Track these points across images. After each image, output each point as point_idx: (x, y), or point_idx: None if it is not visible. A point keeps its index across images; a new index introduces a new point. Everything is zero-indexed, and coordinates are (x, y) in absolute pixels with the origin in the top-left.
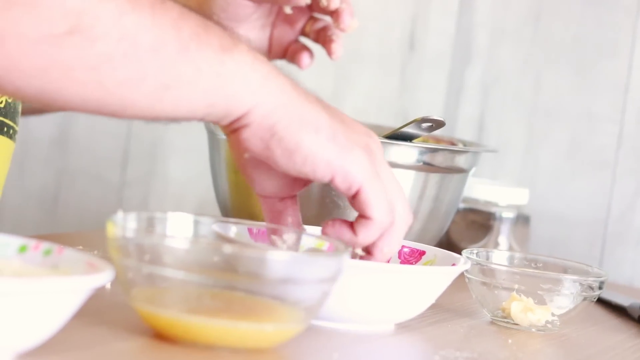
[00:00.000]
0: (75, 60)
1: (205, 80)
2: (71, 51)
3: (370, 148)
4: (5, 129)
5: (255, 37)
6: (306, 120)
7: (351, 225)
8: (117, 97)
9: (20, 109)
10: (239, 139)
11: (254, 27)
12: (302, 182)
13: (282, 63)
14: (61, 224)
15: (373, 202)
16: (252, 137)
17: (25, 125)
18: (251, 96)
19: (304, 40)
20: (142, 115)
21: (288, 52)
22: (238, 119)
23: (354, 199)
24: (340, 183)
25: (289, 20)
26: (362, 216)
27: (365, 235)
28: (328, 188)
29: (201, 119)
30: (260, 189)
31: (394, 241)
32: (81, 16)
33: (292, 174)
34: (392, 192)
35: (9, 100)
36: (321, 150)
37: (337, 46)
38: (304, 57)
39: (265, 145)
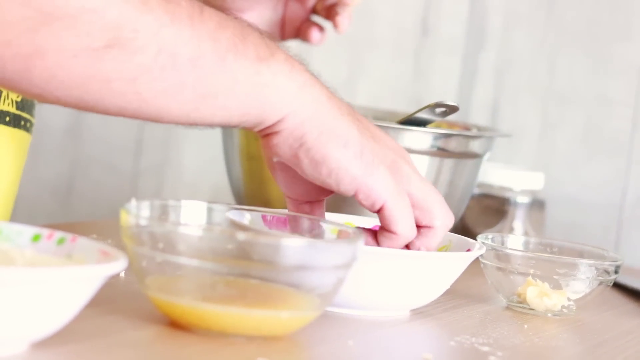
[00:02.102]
0: (114, 73)
1: (242, 90)
2: (110, 64)
3: (397, 165)
4: (23, 122)
5: (268, 18)
6: (336, 134)
7: (375, 234)
8: (154, 107)
9: (36, 102)
10: (270, 143)
11: (267, 8)
12: (329, 190)
13: (294, 44)
14: (75, 213)
15: (396, 219)
16: (282, 144)
17: (39, 115)
18: (285, 106)
19: (317, 19)
20: (178, 122)
21: (300, 31)
22: (270, 126)
23: (378, 213)
24: (364, 199)
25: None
26: (385, 229)
27: (388, 247)
28: None
29: (235, 126)
30: (288, 191)
31: (432, 243)
32: (120, 30)
33: (317, 184)
34: (428, 200)
35: None
36: (347, 165)
37: (341, 19)
38: (314, 32)
39: (294, 153)
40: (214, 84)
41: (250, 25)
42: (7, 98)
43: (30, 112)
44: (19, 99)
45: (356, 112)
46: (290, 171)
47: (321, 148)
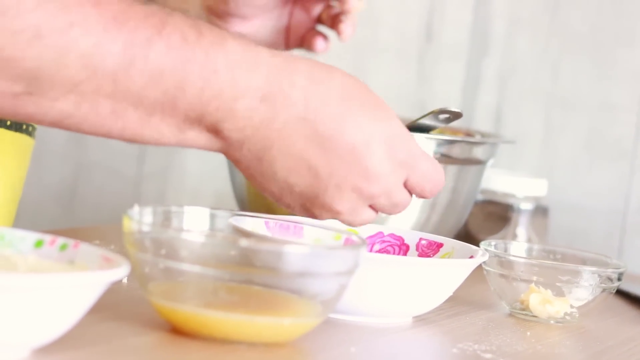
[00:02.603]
0: (39, 116)
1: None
2: (33, 108)
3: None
4: (25, 127)
5: (273, 26)
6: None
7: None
8: (95, 133)
9: None
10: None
11: (272, 16)
12: None
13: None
14: (78, 218)
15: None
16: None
17: None
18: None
19: (322, 28)
20: (134, 141)
21: (305, 40)
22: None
23: None
24: None
25: (305, 8)
26: None
27: None
28: None
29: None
30: None
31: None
32: (37, 79)
33: None
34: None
35: None
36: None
37: (344, 26)
38: (319, 41)
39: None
40: (139, 135)
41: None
42: None
43: None
44: None
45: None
46: None
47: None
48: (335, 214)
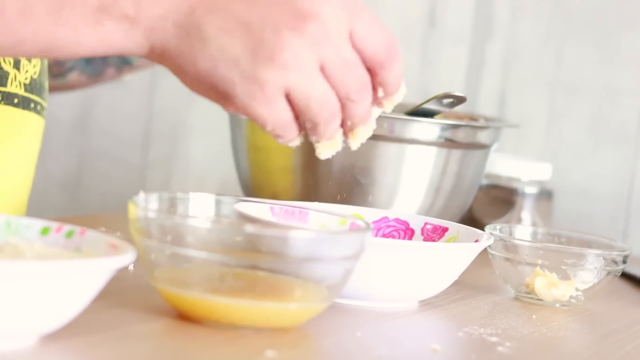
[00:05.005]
0: None
1: (86, 41)
2: None
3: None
4: (32, 105)
5: None
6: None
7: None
8: (8, 49)
9: (46, 86)
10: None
11: None
12: None
13: None
14: (83, 206)
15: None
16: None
17: (47, 107)
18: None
19: None
20: (53, 51)
21: None
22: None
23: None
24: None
25: None
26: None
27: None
28: (348, 167)
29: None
30: None
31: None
32: None
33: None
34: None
35: (34, 77)
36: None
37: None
38: None
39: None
40: (53, 37)
41: None
42: (15, 80)
43: (40, 95)
44: (27, 82)
45: None
46: None
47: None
48: (281, 69)
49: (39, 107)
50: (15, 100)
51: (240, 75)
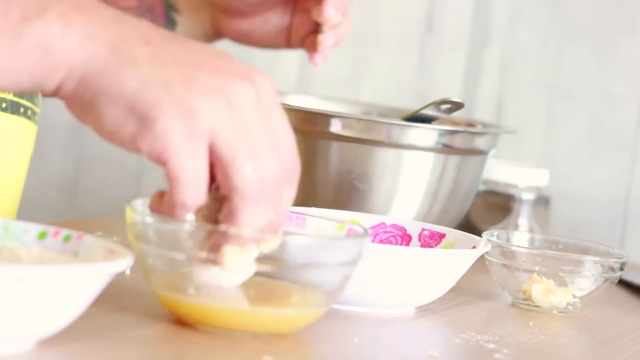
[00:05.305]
0: None
1: (4, 56)
2: None
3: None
4: (22, 110)
5: (274, 24)
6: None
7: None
8: None
9: None
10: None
11: (273, 14)
12: None
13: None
14: (80, 210)
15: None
16: (71, 108)
17: (43, 111)
18: (57, 71)
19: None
20: None
21: (306, 43)
22: (54, 92)
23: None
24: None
25: (306, 9)
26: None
27: (169, 215)
28: (346, 172)
29: (27, 92)
30: None
31: (238, 223)
32: None
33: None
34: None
35: None
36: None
37: (319, 57)
38: (317, 57)
39: (84, 114)
40: None
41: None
42: None
43: (31, 100)
44: None
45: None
46: None
47: (95, 109)
48: (216, 105)
49: (29, 112)
50: (4, 105)
51: (170, 100)
